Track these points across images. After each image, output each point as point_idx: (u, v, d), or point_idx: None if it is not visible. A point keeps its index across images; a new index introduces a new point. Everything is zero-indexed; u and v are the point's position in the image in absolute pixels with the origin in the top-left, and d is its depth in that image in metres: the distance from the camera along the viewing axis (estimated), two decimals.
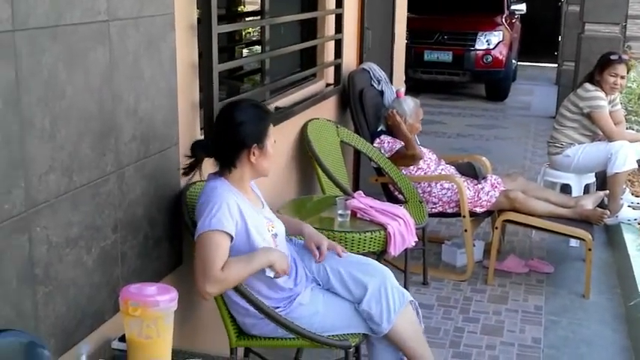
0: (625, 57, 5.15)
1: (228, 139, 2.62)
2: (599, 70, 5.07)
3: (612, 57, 5.06)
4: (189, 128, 2.89)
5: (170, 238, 2.74)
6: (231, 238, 2.56)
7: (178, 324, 2.68)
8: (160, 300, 2.13)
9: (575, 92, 5.18)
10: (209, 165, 2.73)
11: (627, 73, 5.15)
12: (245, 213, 2.61)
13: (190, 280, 2.90)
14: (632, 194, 5.51)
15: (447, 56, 10.99)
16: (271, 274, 2.58)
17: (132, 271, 2.49)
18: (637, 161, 5.23)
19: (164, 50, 2.64)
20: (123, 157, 2.41)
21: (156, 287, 2.20)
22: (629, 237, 4.78)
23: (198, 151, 2.64)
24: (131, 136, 2.45)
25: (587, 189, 5.28)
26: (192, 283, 2.91)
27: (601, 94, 5.01)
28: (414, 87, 9.97)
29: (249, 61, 4.10)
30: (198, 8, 2.94)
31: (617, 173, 4.88)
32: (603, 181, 5.21)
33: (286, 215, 3.21)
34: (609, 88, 5.03)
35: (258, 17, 4.09)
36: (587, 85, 5.08)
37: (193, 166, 2.65)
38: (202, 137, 2.96)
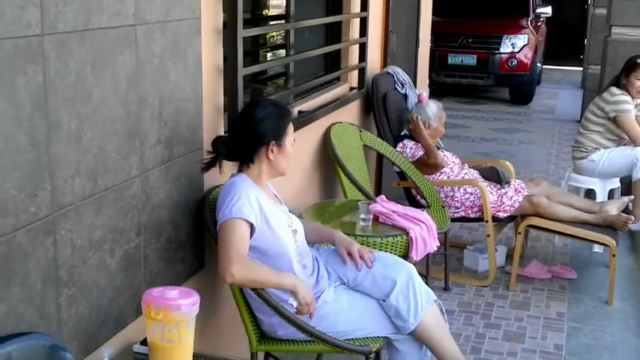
0: None
1: (248, 134, 2.67)
2: (626, 73, 5.03)
3: (639, 60, 5.01)
4: (214, 132, 2.91)
5: (193, 241, 2.76)
6: (252, 228, 2.58)
7: (199, 328, 2.70)
8: (182, 304, 2.14)
9: (601, 96, 5.14)
10: (229, 169, 2.75)
11: None
12: (264, 206, 2.64)
13: (212, 284, 2.93)
14: None
15: (471, 59, 10.94)
16: (294, 303, 2.58)
17: (154, 274, 2.51)
18: None
19: (190, 54, 2.65)
20: (147, 160, 2.43)
21: (178, 291, 2.21)
22: None
23: (219, 147, 2.67)
24: (156, 140, 2.47)
25: (611, 194, 5.23)
26: (214, 287, 2.95)
27: (627, 97, 4.97)
28: (437, 90, 9.95)
29: (273, 65, 4.11)
30: (224, 12, 2.96)
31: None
32: (628, 186, 5.16)
33: (315, 223, 3.21)
34: (636, 92, 4.98)
35: (283, 21, 4.10)
36: (614, 89, 5.04)
37: (214, 162, 2.68)
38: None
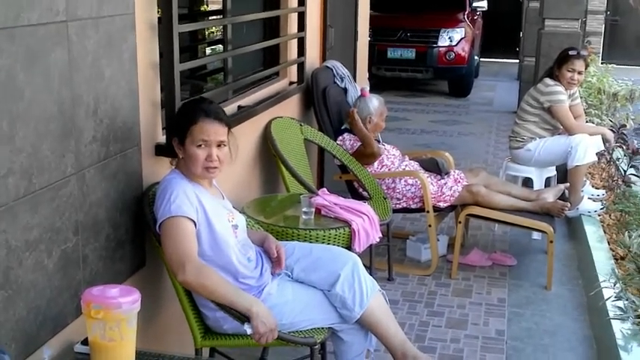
0: (584, 52, 5.24)
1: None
2: (558, 65, 5.16)
3: (570, 52, 5.14)
4: (151, 129, 2.88)
5: (133, 239, 2.73)
6: (194, 224, 2.57)
7: (142, 326, 2.67)
8: (122, 302, 2.12)
9: (535, 87, 5.26)
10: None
11: (586, 68, 5.24)
12: (203, 201, 2.63)
13: (154, 281, 2.91)
14: (592, 186, 5.60)
15: (410, 53, 11.07)
16: (249, 331, 2.52)
17: (94, 273, 2.47)
18: (597, 154, 5.34)
19: (124, 50, 2.62)
20: (83, 158, 2.39)
21: (118, 289, 2.18)
22: (589, 229, 4.86)
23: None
24: (91, 138, 2.43)
25: (548, 182, 5.36)
26: (156, 285, 2.92)
27: (560, 88, 5.10)
28: (377, 84, 10.02)
29: (210, 61, 4.08)
30: (158, 8, 2.93)
31: (577, 166, 4.96)
32: (564, 174, 5.29)
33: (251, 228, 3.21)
34: (567, 83, 5.11)
35: (221, 16, 4.08)
36: (547, 80, 5.16)
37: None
38: (164, 138, 2.95)
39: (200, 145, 2.61)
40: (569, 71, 5.09)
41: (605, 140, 5.25)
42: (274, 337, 2.55)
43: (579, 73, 5.11)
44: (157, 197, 2.62)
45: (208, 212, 2.63)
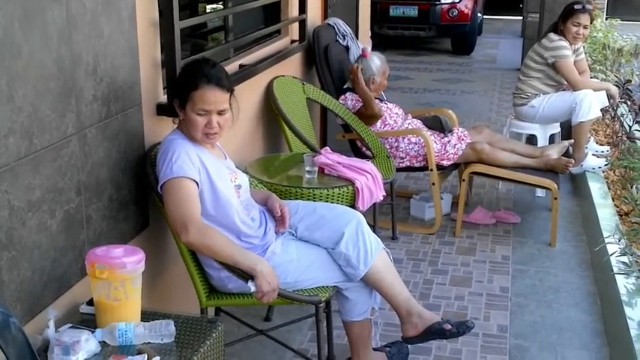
0: (589, 7, 5.16)
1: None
2: (563, 19, 5.09)
3: (576, 6, 5.07)
4: (152, 88, 2.85)
5: (136, 199, 2.72)
6: (197, 185, 2.56)
7: (148, 286, 2.69)
8: (126, 262, 2.13)
9: (539, 42, 5.19)
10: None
11: (591, 22, 5.17)
12: (206, 162, 2.62)
13: (158, 241, 2.91)
14: (597, 143, 5.58)
15: (412, 11, 10.95)
16: (252, 288, 2.52)
17: (98, 234, 2.47)
18: (601, 110, 5.30)
19: (123, 8, 2.58)
20: (84, 118, 2.36)
21: (122, 249, 2.19)
22: (593, 185, 4.84)
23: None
24: (92, 97, 2.41)
25: (552, 139, 5.32)
26: (160, 245, 2.92)
27: (565, 43, 5.03)
28: (380, 43, 9.94)
29: (210, 18, 4.02)
30: None
31: (581, 122, 4.93)
32: (568, 131, 5.26)
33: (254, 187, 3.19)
34: (572, 37, 5.05)
35: None
36: (552, 35, 5.10)
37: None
38: (165, 97, 2.92)
39: (200, 113, 2.57)
40: (574, 25, 5.03)
41: (609, 96, 5.21)
42: (276, 296, 2.55)
43: (585, 27, 5.05)
44: (158, 158, 2.60)
45: (211, 172, 2.61)
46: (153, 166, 2.69)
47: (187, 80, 2.60)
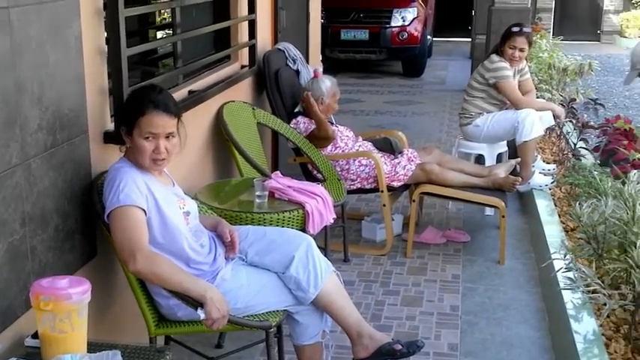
0: (527, 29, 5.29)
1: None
2: (502, 41, 5.23)
3: (513, 29, 5.21)
4: (99, 116, 2.84)
5: (83, 229, 2.70)
6: (145, 213, 2.55)
7: (97, 317, 2.68)
8: (72, 293, 2.10)
9: (482, 64, 5.31)
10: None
11: (530, 45, 5.26)
12: (153, 189, 2.62)
13: (106, 271, 2.88)
14: (543, 161, 5.70)
15: (363, 34, 11.09)
16: (202, 316, 2.52)
17: (43, 265, 2.44)
18: (547, 129, 5.42)
19: (69, 36, 2.57)
20: (29, 147, 2.35)
21: (68, 280, 2.17)
22: (541, 203, 4.94)
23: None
24: (37, 126, 2.39)
25: (499, 158, 5.43)
26: (109, 275, 2.90)
27: (505, 64, 5.16)
28: (331, 66, 10.05)
29: (158, 45, 4.03)
30: None
31: (525, 142, 5.03)
32: (515, 149, 5.36)
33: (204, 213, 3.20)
34: (509, 59, 5.17)
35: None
36: (493, 57, 5.22)
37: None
38: (112, 125, 2.91)
39: (147, 138, 2.58)
40: (510, 48, 5.15)
41: (555, 116, 5.33)
42: (225, 323, 2.55)
43: (521, 50, 5.15)
44: (105, 186, 2.59)
45: (158, 200, 2.62)
46: (100, 194, 2.67)
47: (134, 106, 2.61)
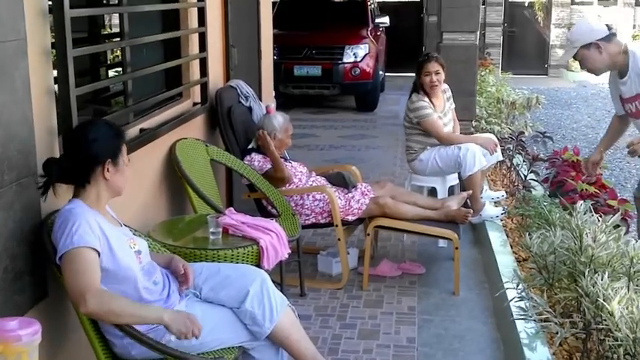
0: (433, 54, 5.39)
1: (82, 155, 2.64)
2: (417, 76, 5.30)
3: (420, 59, 5.31)
4: (48, 156, 2.80)
5: (32, 270, 2.66)
6: (98, 254, 2.54)
7: (49, 358, 2.62)
8: (22, 334, 2.07)
9: (406, 104, 5.39)
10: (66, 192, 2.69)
11: (443, 68, 5.26)
12: (106, 230, 2.61)
13: (58, 311, 2.84)
14: (491, 189, 5.79)
15: (316, 70, 11.21)
16: (173, 338, 2.57)
17: None
18: (498, 162, 5.50)
19: (17, 77, 2.56)
20: None
21: (17, 321, 2.13)
22: (493, 234, 5.02)
23: (52, 169, 2.62)
24: None
25: (452, 191, 5.50)
26: (60, 315, 2.86)
27: (423, 102, 5.20)
28: (285, 102, 10.12)
29: (108, 84, 4.02)
30: (52, 32, 2.88)
31: (470, 175, 5.09)
32: None
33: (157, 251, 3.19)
34: (429, 88, 5.23)
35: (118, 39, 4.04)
36: (413, 96, 5.27)
37: (47, 184, 2.63)
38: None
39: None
40: (425, 75, 5.22)
41: (486, 148, 5.26)
42: (199, 327, 2.56)
43: (436, 73, 5.20)
44: (56, 228, 2.56)
45: (111, 241, 2.61)
46: (49, 235, 2.64)
47: (114, 135, 2.72)
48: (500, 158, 5.48)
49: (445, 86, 5.39)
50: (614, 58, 4.13)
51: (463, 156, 5.06)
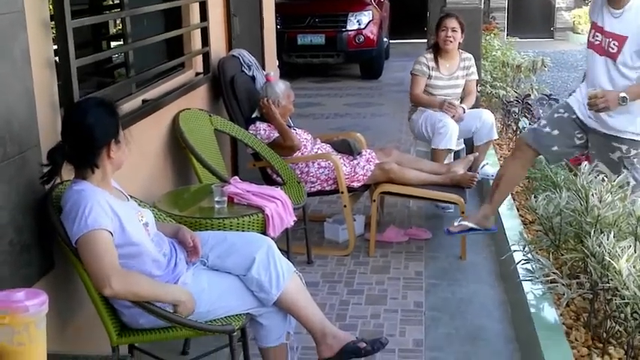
0: (454, 13, 5.40)
1: (86, 142, 2.60)
2: (435, 33, 5.31)
3: (441, 14, 5.31)
4: (50, 128, 2.81)
5: (39, 242, 2.67)
6: (111, 234, 2.55)
7: (57, 328, 2.65)
8: (29, 305, 2.07)
9: None
10: (66, 170, 2.69)
11: (462, 26, 5.27)
12: (116, 208, 2.61)
13: (65, 283, 2.86)
14: (501, 157, 5.77)
15: (319, 39, 11.14)
16: (169, 308, 2.65)
17: None
18: (502, 125, 5.47)
19: (16, 49, 2.55)
20: None
21: (24, 292, 2.13)
22: None
23: (57, 157, 2.60)
24: None
25: (457, 155, 5.48)
26: (68, 286, 2.87)
27: (423, 58, 5.26)
28: (290, 72, 10.06)
29: (107, 55, 3.98)
30: (50, 4, 2.86)
31: (434, 148, 5.11)
32: (472, 146, 5.42)
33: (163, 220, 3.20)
34: (443, 42, 5.22)
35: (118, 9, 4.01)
36: (424, 52, 5.34)
37: (53, 173, 2.61)
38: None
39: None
40: (442, 31, 5.23)
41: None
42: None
43: (453, 30, 5.20)
44: (67, 210, 2.56)
45: (122, 218, 2.61)
46: (55, 207, 2.65)
47: (112, 115, 2.68)
48: (495, 137, 5.40)
49: (467, 55, 5.37)
50: None
51: (437, 128, 5.05)
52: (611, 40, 3.69)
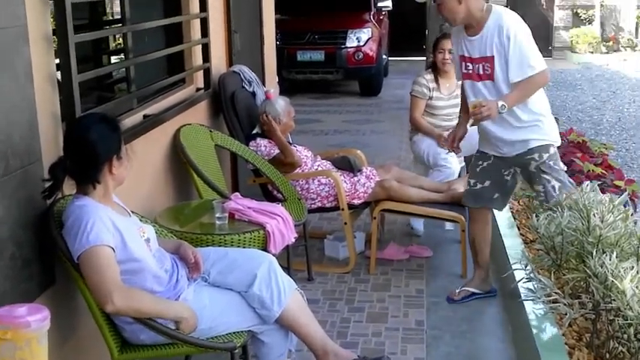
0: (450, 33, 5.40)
1: (88, 158, 2.60)
2: (433, 54, 5.31)
3: (438, 37, 5.31)
4: (52, 142, 2.81)
5: (40, 257, 2.65)
6: (113, 250, 2.54)
7: (58, 344, 2.63)
8: (31, 320, 2.06)
9: None
10: (68, 185, 2.68)
11: None
12: (118, 224, 2.60)
13: (66, 298, 2.84)
14: None
15: (319, 55, 11.17)
16: (171, 325, 2.64)
17: (0, 294, 2.39)
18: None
19: (18, 63, 2.54)
20: None
21: (26, 308, 2.12)
22: (500, 215, 4.98)
23: (59, 173, 2.59)
24: None
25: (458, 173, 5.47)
26: (68, 302, 2.85)
27: (422, 79, 5.26)
28: (289, 88, 10.08)
29: (108, 70, 3.98)
30: (53, 18, 2.86)
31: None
32: None
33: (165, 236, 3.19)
34: (442, 64, 5.22)
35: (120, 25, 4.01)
36: (423, 72, 5.36)
37: (54, 188, 2.60)
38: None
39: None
40: (439, 52, 5.22)
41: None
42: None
43: (450, 51, 5.20)
44: (69, 225, 2.55)
45: (124, 234, 2.61)
46: (56, 222, 2.63)
47: (114, 131, 2.68)
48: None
49: None
50: (472, 13, 3.72)
51: (439, 163, 5.07)
52: (482, 64, 3.78)
